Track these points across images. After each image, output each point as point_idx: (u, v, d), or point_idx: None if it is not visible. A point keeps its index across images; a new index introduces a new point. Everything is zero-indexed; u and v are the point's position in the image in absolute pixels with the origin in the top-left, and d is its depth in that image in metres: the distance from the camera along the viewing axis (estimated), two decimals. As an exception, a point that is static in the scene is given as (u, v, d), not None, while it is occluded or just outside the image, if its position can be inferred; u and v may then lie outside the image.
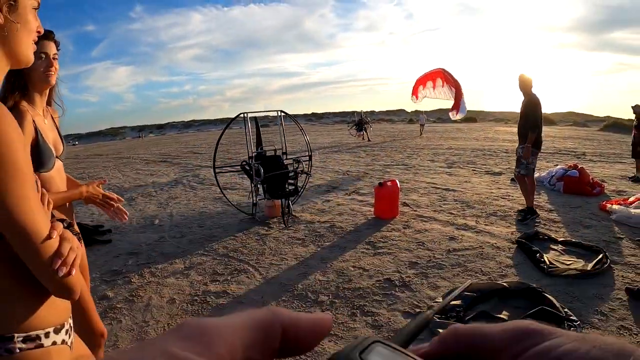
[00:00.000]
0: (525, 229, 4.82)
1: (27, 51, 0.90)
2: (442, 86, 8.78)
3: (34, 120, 1.66)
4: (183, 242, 4.99)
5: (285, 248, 4.51)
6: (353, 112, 27.31)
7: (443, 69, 9.06)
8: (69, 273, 0.81)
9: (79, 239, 0.91)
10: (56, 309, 0.92)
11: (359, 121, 21.93)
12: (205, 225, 5.62)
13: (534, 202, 5.49)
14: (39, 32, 0.93)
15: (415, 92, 9.07)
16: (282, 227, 5.29)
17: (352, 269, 3.84)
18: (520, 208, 5.64)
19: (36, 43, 1.59)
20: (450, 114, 8.74)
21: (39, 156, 1.67)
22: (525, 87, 5.30)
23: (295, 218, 5.65)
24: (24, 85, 1.68)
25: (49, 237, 0.79)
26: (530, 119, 5.23)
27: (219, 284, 3.70)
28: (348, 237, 4.80)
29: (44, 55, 1.68)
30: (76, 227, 0.97)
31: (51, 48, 1.72)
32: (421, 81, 8.87)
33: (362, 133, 21.42)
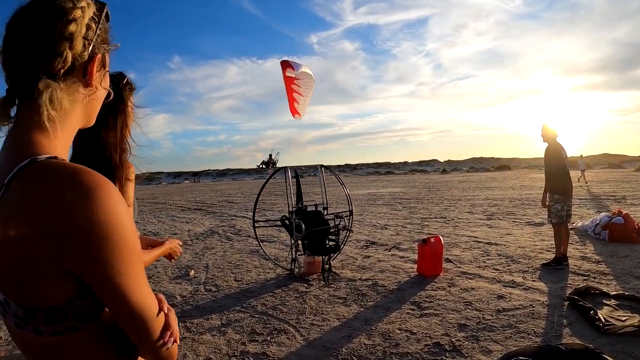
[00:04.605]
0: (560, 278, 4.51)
1: (96, 114, 0.90)
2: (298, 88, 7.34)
3: None
4: (219, 296, 4.89)
5: (326, 307, 4.32)
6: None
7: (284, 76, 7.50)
8: (175, 342, 0.80)
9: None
10: None
11: (268, 161, 23.19)
12: (243, 280, 5.51)
13: (583, 252, 5.36)
14: None
15: (294, 111, 7.54)
16: (322, 284, 5.12)
17: (399, 331, 3.63)
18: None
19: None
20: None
21: None
22: (545, 136, 5.53)
23: (335, 275, 5.48)
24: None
25: (160, 311, 0.77)
26: (546, 169, 5.51)
27: (257, 344, 3.54)
28: (391, 296, 4.58)
29: None
30: None
31: None
32: (291, 98, 7.50)
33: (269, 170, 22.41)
